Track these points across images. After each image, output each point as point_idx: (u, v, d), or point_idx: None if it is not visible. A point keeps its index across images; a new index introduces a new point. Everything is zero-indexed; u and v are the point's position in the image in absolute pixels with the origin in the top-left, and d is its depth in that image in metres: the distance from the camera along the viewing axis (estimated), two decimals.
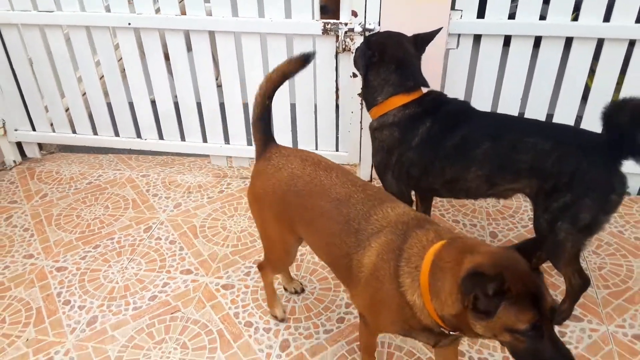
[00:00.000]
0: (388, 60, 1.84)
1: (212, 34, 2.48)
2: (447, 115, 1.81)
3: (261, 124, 1.67)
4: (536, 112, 2.41)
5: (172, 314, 1.96)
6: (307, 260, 2.18)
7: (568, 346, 1.41)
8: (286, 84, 2.51)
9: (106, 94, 2.78)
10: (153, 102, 2.76)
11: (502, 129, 1.73)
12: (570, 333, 1.83)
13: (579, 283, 1.78)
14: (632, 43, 2.21)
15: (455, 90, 2.43)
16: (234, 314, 1.95)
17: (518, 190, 1.77)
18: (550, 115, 2.46)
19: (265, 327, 1.89)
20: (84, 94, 2.82)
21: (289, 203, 1.52)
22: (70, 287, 2.10)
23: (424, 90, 1.92)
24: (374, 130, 1.94)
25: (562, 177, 1.62)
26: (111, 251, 2.29)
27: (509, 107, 2.43)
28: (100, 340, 1.86)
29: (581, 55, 2.27)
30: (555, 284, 2.02)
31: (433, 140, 1.80)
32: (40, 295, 2.07)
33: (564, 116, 2.40)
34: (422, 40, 1.93)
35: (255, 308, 1.97)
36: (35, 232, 2.42)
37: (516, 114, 2.41)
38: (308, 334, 1.86)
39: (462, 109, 1.86)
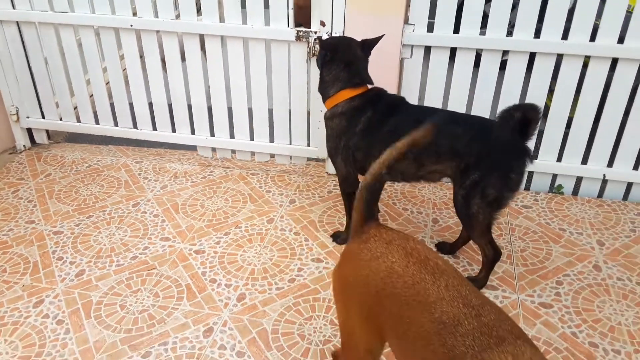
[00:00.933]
0: (339, 59, 2.19)
1: (202, 37, 2.86)
2: (384, 107, 2.16)
3: (367, 194, 1.43)
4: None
5: (148, 270, 2.29)
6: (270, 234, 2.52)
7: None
8: (264, 83, 2.88)
9: (109, 89, 3.16)
10: (150, 98, 3.14)
11: (427, 117, 2.07)
12: None
13: (491, 253, 2.09)
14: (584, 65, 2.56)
15: (409, 94, 2.78)
16: (201, 272, 2.27)
17: (441, 172, 2.10)
18: None
19: (227, 284, 2.21)
20: (91, 93, 3.20)
21: (383, 306, 1.25)
22: (64, 247, 2.44)
23: (369, 87, 2.26)
24: (327, 119, 2.28)
25: (472, 158, 1.96)
26: (102, 220, 2.63)
27: (459, 105, 2.78)
28: (86, 288, 2.19)
29: (497, 65, 2.63)
30: (476, 258, 2.32)
31: (373, 127, 2.14)
32: (37, 252, 2.41)
33: None
34: (369, 44, 2.28)
35: (220, 269, 2.29)
36: (37, 203, 2.77)
37: None
38: (262, 290, 2.18)
39: (397, 101, 2.21)
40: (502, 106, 2.70)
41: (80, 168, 3.12)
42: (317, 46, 2.66)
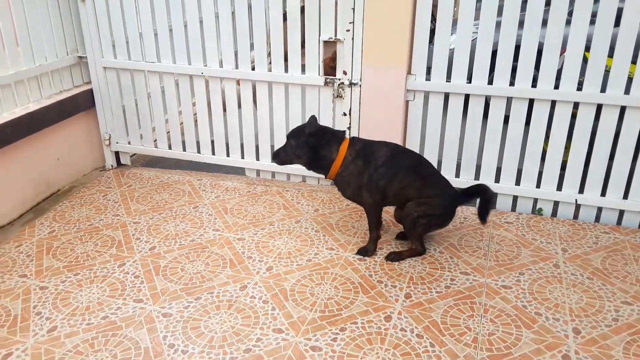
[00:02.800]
0: (318, 135, 2.81)
1: (253, 83, 3.72)
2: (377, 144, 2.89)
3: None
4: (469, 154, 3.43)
5: (202, 249, 3.02)
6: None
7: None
8: (299, 118, 3.65)
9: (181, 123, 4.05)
10: (212, 129, 4.00)
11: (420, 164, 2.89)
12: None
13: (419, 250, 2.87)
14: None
15: (413, 130, 3.50)
16: (241, 252, 2.97)
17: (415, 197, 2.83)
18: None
19: (259, 259, 2.89)
20: (167, 120, 4.11)
21: None
22: (141, 232, 3.22)
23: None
24: (340, 176, 2.83)
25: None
26: (170, 217, 3.41)
27: (450, 147, 3.46)
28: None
29: (481, 108, 3.30)
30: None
31: (394, 161, 2.81)
32: (122, 235, 3.20)
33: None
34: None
35: (255, 250, 2.98)
36: (122, 204, 3.60)
37: (455, 157, 3.46)
38: (288, 268, 2.85)
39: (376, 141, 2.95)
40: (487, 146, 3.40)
41: (154, 182, 3.97)
42: (340, 90, 3.45)
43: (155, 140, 4.16)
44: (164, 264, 2.88)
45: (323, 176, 2.95)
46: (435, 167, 3.05)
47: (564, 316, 2.45)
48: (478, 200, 2.91)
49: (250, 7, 3.55)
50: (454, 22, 3.33)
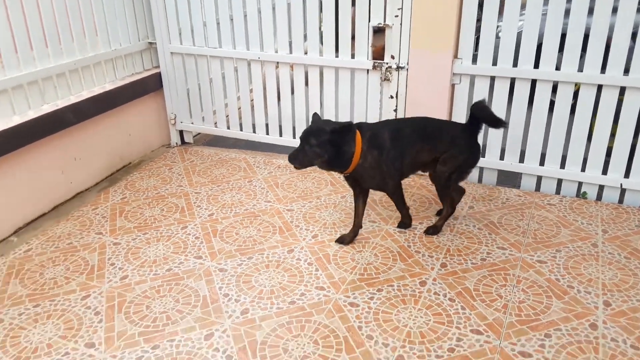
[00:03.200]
0: (337, 132, 2.64)
1: (306, 67, 3.95)
2: (384, 125, 2.95)
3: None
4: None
5: (254, 217, 3.29)
6: None
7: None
8: (348, 100, 3.85)
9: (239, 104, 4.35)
10: (267, 111, 4.27)
11: (410, 123, 2.99)
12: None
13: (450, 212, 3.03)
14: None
15: (458, 112, 3.61)
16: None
17: (436, 158, 2.91)
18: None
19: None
20: (226, 104, 4.42)
21: None
22: (201, 200, 3.53)
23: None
24: (361, 168, 2.74)
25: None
26: (226, 189, 3.71)
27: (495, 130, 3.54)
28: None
29: (521, 95, 3.36)
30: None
31: (397, 137, 2.84)
32: (184, 203, 3.53)
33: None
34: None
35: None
36: (185, 177, 3.94)
37: (500, 140, 3.54)
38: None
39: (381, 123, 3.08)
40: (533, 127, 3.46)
41: (213, 159, 4.29)
42: (387, 74, 3.62)
43: (216, 123, 4.48)
44: (221, 228, 3.17)
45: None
46: (442, 119, 3.22)
47: (596, 290, 2.53)
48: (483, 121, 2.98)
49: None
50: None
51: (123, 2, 4.03)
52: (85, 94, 3.71)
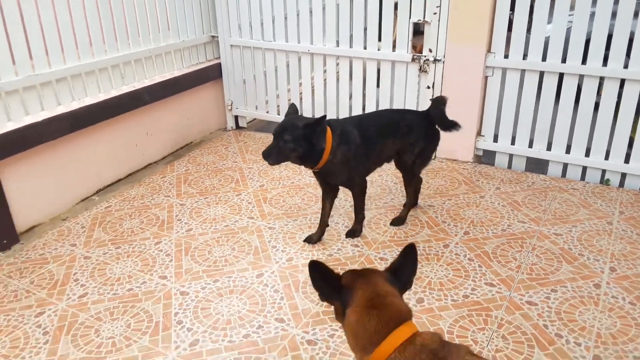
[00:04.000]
0: (316, 126, 2.66)
1: (351, 59, 4.35)
2: (353, 120, 3.03)
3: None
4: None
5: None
6: None
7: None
8: (388, 88, 4.22)
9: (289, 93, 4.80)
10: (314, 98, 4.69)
11: (382, 117, 3.17)
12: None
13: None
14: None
15: (491, 103, 3.92)
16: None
17: (398, 150, 3.03)
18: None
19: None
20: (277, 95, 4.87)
21: None
22: (253, 175, 3.99)
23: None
24: (331, 164, 2.75)
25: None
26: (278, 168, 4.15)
27: (525, 120, 3.83)
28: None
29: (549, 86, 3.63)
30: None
31: (365, 135, 2.88)
32: (239, 175, 3.99)
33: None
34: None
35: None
36: (239, 155, 4.42)
37: (529, 129, 3.82)
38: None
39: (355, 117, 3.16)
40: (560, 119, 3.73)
41: (264, 141, 4.75)
42: (424, 66, 3.97)
43: (267, 112, 4.95)
44: (270, 197, 3.61)
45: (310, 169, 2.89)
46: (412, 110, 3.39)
47: (605, 258, 2.80)
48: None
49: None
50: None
51: (191, 0, 4.56)
52: (158, 79, 4.25)
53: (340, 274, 1.48)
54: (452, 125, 3.07)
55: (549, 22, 3.62)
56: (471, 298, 2.51)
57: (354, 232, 3.10)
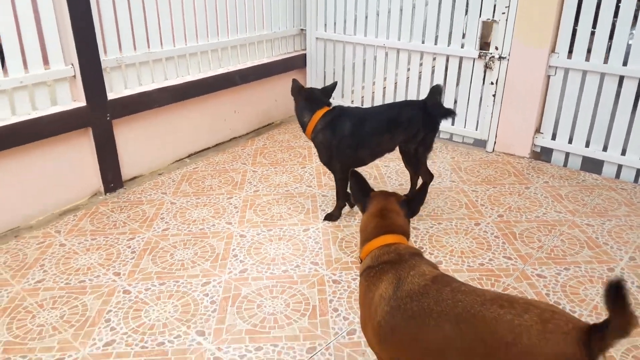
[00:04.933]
0: (302, 97, 3.24)
1: (419, 54, 4.67)
2: (352, 113, 3.19)
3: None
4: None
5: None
6: None
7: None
8: (454, 81, 4.49)
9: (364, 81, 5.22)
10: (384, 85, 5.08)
11: (383, 112, 3.30)
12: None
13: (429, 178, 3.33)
14: None
15: (552, 101, 4.05)
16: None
17: (400, 141, 3.21)
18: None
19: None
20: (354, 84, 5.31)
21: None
22: None
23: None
24: (314, 141, 3.16)
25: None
26: None
27: (584, 119, 3.92)
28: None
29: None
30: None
31: (359, 129, 3.11)
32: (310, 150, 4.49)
33: None
34: (328, 90, 3.33)
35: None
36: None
37: (587, 128, 3.91)
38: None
39: (357, 108, 3.36)
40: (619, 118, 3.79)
41: None
42: (490, 62, 4.19)
43: (353, 100, 5.42)
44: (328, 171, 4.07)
45: None
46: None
47: (628, 249, 2.92)
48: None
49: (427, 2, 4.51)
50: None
51: None
52: (249, 64, 4.88)
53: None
54: (448, 113, 3.25)
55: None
56: (486, 266, 2.79)
57: (331, 216, 3.32)
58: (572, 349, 1.25)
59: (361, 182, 1.85)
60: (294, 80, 3.41)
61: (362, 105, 5.24)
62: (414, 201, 1.81)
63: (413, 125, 3.19)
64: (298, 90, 3.31)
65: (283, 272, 2.82)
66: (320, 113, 3.17)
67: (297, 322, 2.45)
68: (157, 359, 2.24)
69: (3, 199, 3.20)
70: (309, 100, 3.24)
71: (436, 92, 3.28)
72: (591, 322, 1.31)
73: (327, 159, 3.22)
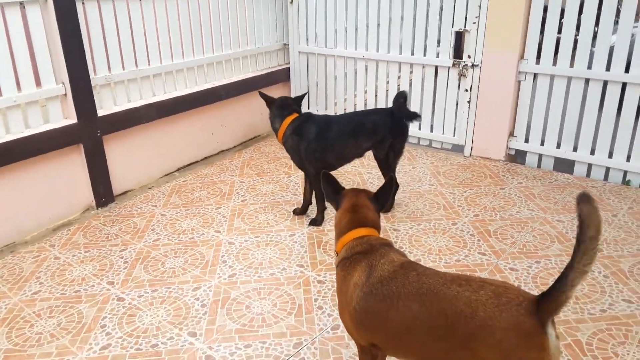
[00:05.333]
0: (275, 106, 3.49)
1: (397, 64, 4.87)
2: (318, 119, 3.41)
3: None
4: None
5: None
6: None
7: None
8: (431, 90, 4.69)
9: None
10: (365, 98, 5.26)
11: (348, 120, 3.50)
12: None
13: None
14: None
15: (523, 105, 4.26)
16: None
17: (368, 147, 3.39)
18: None
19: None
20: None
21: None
22: None
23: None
24: (285, 146, 3.42)
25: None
26: None
27: (554, 121, 4.13)
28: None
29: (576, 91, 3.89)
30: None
31: (324, 134, 3.32)
32: None
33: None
34: (298, 98, 3.56)
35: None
36: None
37: (557, 130, 4.11)
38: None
39: (324, 116, 3.54)
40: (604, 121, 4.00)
41: None
42: (464, 70, 4.40)
43: (325, 111, 5.61)
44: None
45: None
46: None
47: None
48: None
49: (402, 18, 4.72)
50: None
51: (268, 13, 5.34)
52: (234, 78, 5.05)
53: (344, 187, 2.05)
54: (414, 116, 3.42)
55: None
56: (462, 262, 2.95)
57: (315, 221, 3.50)
58: (524, 318, 1.41)
59: (332, 181, 2.00)
60: (260, 92, 3.60)
61: None
62: (381, 195, 1.97)
63: (378, 131, 3.35)
64: (270, 100, 3.52)
65: (270, 275, 2.96)
66: (289, 119, 3.38)
67: (284, 320, 2.57)
68: None
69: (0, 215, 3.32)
70: (280, 108, 3.46)
71: (400, 96, 3.46)
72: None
73: (299, 162, 3.43)
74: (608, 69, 3.81)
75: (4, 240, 3.36)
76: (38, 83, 3.49)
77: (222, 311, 2.66)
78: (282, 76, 5.61)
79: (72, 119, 3.63)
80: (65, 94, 3.58)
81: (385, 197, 1.97)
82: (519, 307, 1.43)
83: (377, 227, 1.91)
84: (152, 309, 2.71)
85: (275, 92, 5.60)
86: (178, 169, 4.62)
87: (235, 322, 2.58)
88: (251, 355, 2.35)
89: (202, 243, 3.33)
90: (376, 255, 1.73)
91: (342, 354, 2.33)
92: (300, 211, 3.64)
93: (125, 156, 4.11)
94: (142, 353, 2.40)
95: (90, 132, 3.73)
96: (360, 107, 5.28)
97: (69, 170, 3.69)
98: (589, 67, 3.89)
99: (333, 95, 5.49)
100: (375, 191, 1.98)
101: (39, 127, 3.48)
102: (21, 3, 3.30)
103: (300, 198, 3.87)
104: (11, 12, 3.24)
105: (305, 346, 2.39)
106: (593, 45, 3.87)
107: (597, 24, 3.80)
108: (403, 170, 4.34)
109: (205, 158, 4.88)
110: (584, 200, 1.38)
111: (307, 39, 5.43)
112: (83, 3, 3.62)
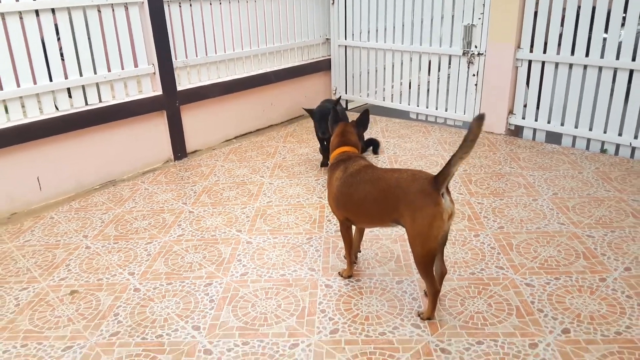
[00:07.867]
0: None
1: (411, 54, 5.77)
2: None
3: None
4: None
5: None
6: None
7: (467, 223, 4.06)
8: (444, 77, 5.57)
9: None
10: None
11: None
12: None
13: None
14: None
15: (520, 87, 5.05)
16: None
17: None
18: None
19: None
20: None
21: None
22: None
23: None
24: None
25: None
26: None
27: (548, 98, 4.90)
28: None
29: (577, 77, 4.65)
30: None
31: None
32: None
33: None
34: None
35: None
36: None
37: (548, 106, 4.88)
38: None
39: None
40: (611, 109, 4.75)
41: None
42: (471, 58, 5.24)
43: (360, 94, 6.58)
44: None
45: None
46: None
47: (556, 190, 3.89)
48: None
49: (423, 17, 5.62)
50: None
51: (314, 13, 6.40)
52: (283, 66, 6.14)
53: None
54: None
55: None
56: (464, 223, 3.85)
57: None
58: (426, 186, 2.35)
59: (337, 115, 3.00)
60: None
61: (384, 100, 6.39)
62: (360, 123, 2.94)
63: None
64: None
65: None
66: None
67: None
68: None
69: (105, 160, 4.55)
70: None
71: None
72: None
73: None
74: (587, 55, 4.56)
75: (108, 177, 4.60)
76: (135, 64, 4.72)
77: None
78: (324, 66, 6.64)
79: (159, 92, 4.83)
80: (155, 73, 4.79)
81: (364, 124, 2.94)
82: (424, 180, 2.37)
83: (357, 146, 2.89)
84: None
85: (318, 79, 6.66)
86: (235, 137, 5.76)
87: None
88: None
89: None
90: (350, 162, 2.72)
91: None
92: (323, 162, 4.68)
93: (196, 123, 5.29)
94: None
95: (171, 102, 4.92)
96: (388, 95, 6.21)
97: (156, 130, 4.90)
98: (572, 53, 4.65)
99: (366, 83, 6.46)
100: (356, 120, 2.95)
101: (135, 96, 4.70)
102: (125, 5, 4.53)
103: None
104: (119, 11, 4.48)
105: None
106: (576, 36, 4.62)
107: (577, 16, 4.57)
108: (416, 140, 5.24)
109: (257, 130, 5.99)
110: (477, 119, 2.27)
111: (346, 33, 6.43)
112: (168, 5, 4.82)
